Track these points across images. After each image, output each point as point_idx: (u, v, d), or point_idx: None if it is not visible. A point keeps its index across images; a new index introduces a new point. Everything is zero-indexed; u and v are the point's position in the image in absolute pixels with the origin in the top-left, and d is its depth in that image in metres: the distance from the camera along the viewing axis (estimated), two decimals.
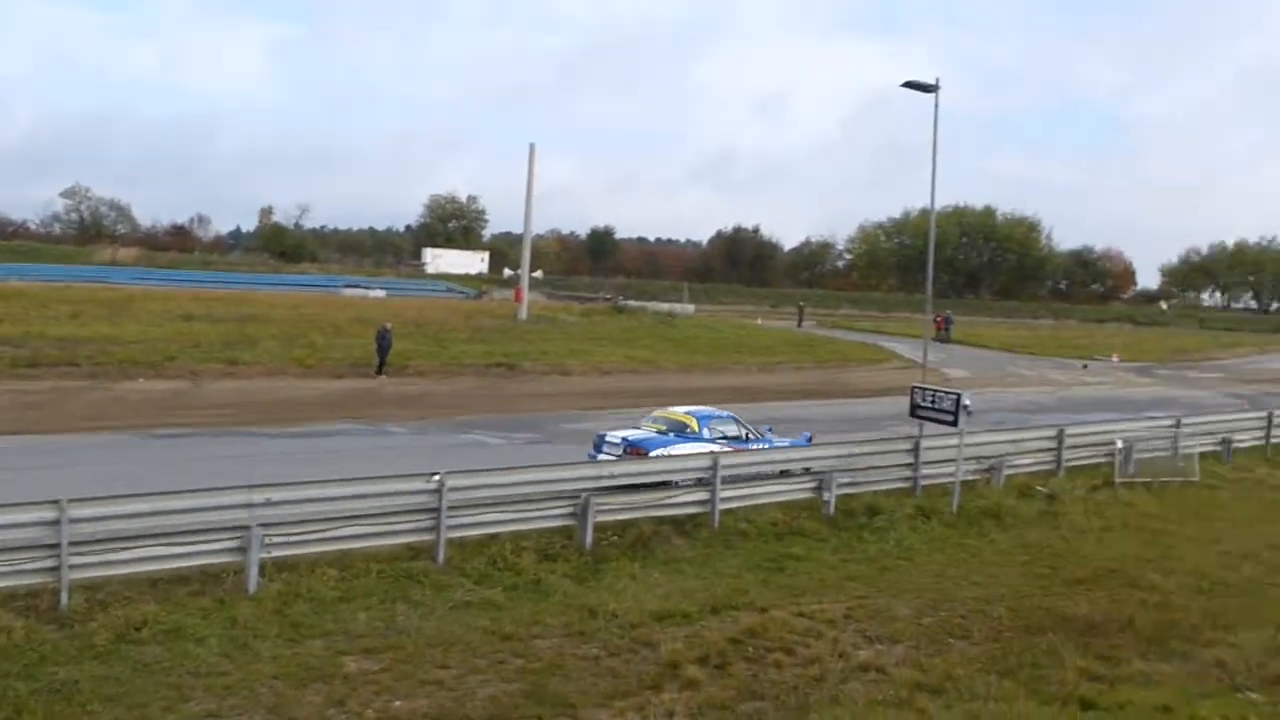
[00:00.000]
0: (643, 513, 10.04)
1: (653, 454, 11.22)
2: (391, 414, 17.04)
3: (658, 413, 12.84)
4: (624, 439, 11.90)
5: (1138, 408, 22.85)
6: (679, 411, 12.67)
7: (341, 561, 8.16)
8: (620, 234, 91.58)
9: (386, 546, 8.49)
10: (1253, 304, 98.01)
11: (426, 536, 8.62)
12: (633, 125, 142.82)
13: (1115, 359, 40.25)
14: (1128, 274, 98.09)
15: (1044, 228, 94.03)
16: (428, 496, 8.59)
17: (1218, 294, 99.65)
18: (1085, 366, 36.02)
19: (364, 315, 29.62)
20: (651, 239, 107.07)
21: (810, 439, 13.16)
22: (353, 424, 15.95)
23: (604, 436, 12.19)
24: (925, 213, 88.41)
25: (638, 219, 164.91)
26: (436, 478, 8.64)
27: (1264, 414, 17.15)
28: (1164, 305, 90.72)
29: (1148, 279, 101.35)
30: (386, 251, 77.06)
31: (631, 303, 42.34)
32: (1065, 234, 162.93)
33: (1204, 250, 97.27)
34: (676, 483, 10.52)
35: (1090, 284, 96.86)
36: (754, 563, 9.56)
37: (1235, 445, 16.01)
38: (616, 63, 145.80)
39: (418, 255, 71.74)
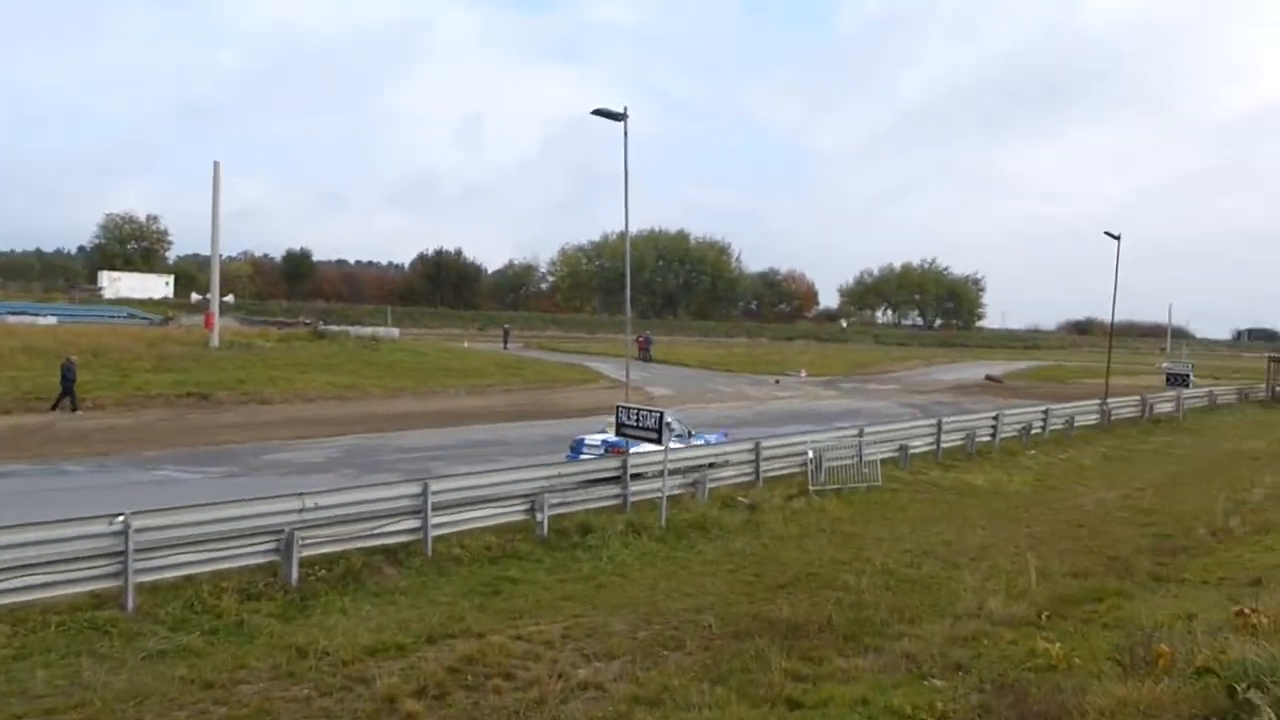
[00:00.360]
0: (352, 544, 9.97)
1: (633, 452, 13.29)
2: (68, 451, 16.54)
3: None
4: (603, 441, 14.36)
5: (826, 419, 25.20)
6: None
7: (13, 617, 7.91)
8: (319, 256, 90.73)
9: (67, 596, 8.27)
10: (919, 321, 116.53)
11: (113, 583, 8.45)
12: (330, 145, 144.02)
13: (803, 374, 44.53)
14: (810, 294, 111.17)
15: (734, 251, 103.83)
16: (111, 539, 8.40)
17: (889, 312, 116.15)
18: (777, 382, 39.41)
19: (32, 344, 28.18)
20: (352, 261, 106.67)
21: (727, 434, 17.10)
22: (21, 464, 15.36)
23: (583, 440, 15.07)
24: (623, 236, 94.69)
25: (337, 241, 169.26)
26: (120, 518, 8.46)
27: (933, 422, 19.74)
28: (844, 323, 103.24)
29: (829, 299, 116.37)
30: (57, 275, 74.35)
31: (333, 327, 41.57)
32: (754, 257, 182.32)
33: (875, 272, 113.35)
34: (386, 512, 10.61)
35: (778, 304, 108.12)
36: (469, 588, 9.60)
37: (911, 451, 18.16)
38: (307, 80, 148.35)
39: (93, 279, 68.76)
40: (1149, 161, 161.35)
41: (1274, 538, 12.44)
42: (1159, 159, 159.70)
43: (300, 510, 9.69)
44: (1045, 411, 23.38)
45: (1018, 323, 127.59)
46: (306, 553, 9.46)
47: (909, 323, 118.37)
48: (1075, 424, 24.18)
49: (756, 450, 15.55)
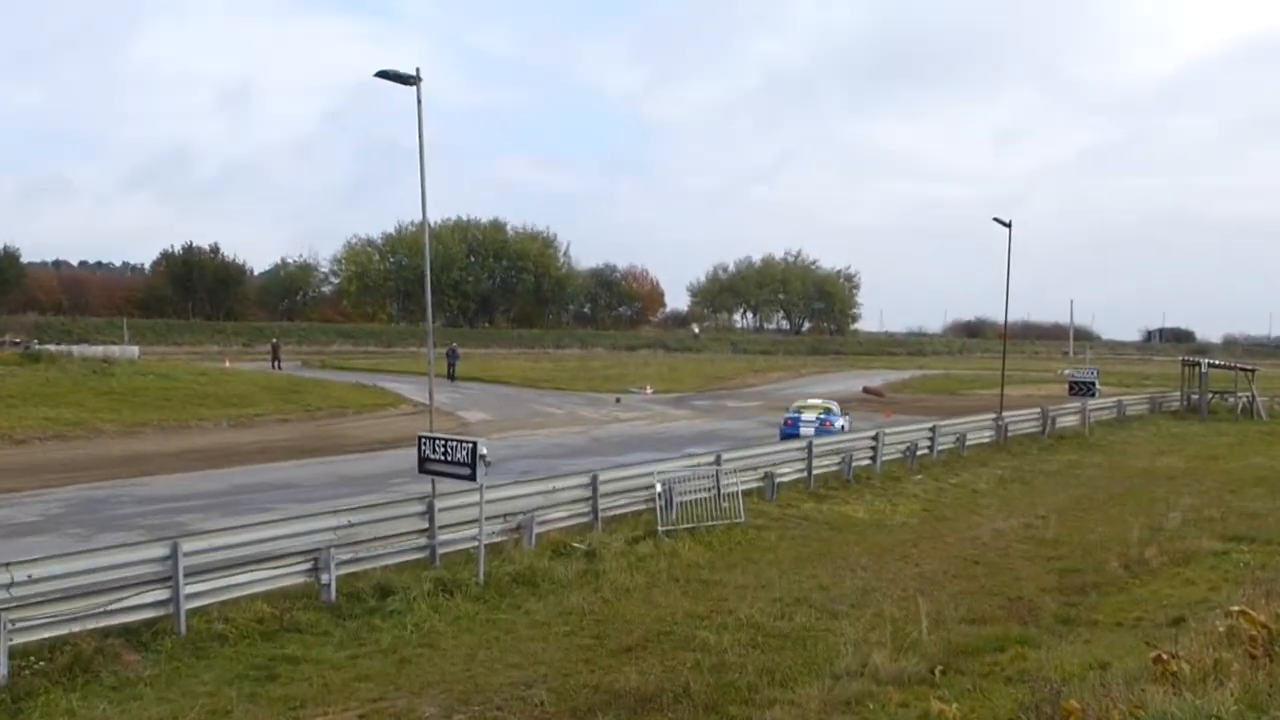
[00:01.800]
0: (80, 624, 9.58)
1: (835, 425, 26.90)
2: None
3: (801, 403, 30.94)
4: (816, 418, 28.43)
5: (677, 445, 26.39)
6: (819, 402, 30.73)
7: None
8: (30, 257, 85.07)
9: None
10: (784, 325, 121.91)
11: None
12: (44, 118, 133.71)
13: (648, 390, 46.32)
14: (656, 295, 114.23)
15: (562, 244, 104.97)
16: None
17: (749, 315, 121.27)
18: (618, 401, 40.72)
19: None
20: (75, 263, 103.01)
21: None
22: None
23: (799, 418, 28.56)
24: (422, 227, 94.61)
25: (55, 238, 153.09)
26: None
27: (803, 445, 20.54)
28: (696, 329, 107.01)
29: (677, 300, 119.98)
30: None
31: (51, 347, 39.97)
32: (587, 251, 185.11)
33: (731, 268, 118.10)
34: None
35: (617, 307, 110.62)
36: (236, 673, 9.40)
37: (779, 480, 18.85)
38: (12, 34, 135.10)
39: None
40: (1045, 138, 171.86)
41: (1194, 569, 13.31)
42: (1056, 135, 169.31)
43: (8, 585, 9.26)
44: (933, 429, 24.73)
45: (899, 325, 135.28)
46: (19, 639, 9.15)
47: (773, 327, 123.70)
48: (968, 442, 25.66)
49: (594, 485, 15.62)
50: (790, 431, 28.00)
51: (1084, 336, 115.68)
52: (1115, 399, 37.40)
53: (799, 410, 30.45)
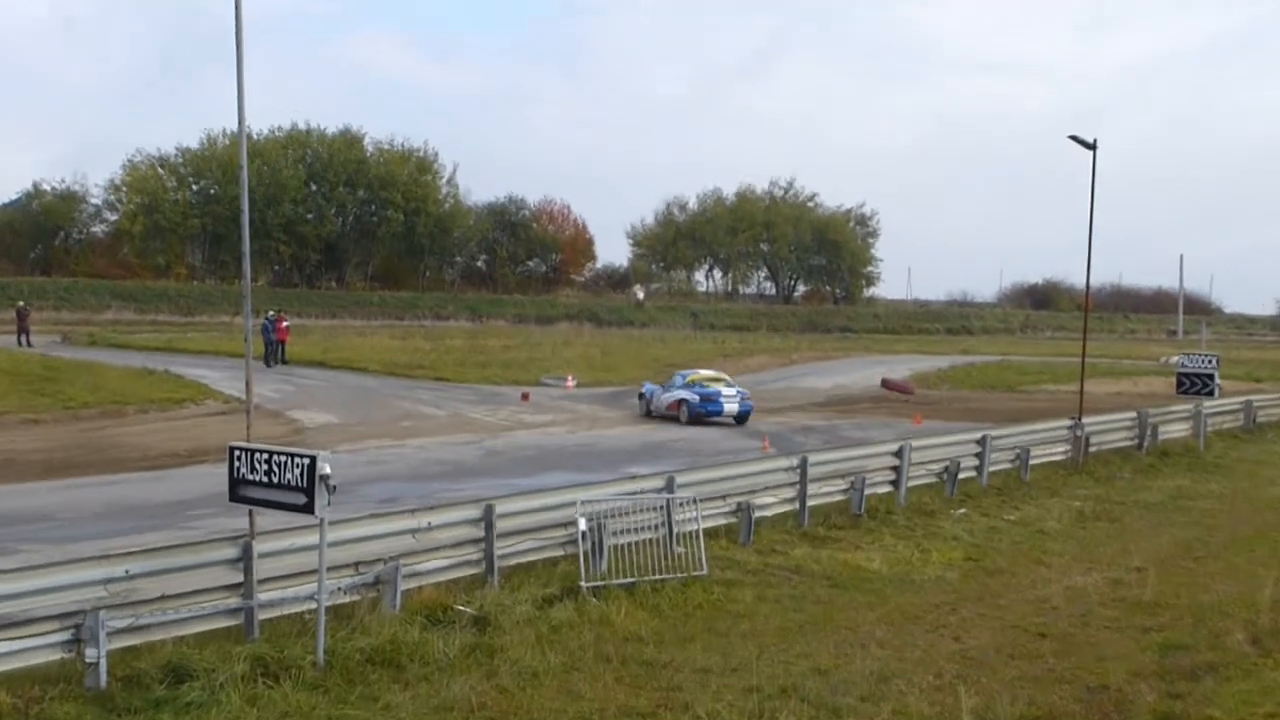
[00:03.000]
0: None
1: (749, 399, 37.44)
2: None
3: (695, 376, 38.55)
4: (738, 392, 37.26)
5: (611, 461, 26.91)
6: (712, 373, 39.72)
7: None
8: None
9: None
10: (769, 288, 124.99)
11: None
12: None
13: (570, 383, 47.19)
14: (582, 243, 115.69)
15: (444, 167, 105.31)
16: None
17: (717, 273, 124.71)
18: (526, 398, 41.56)
19: None
20: None
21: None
22: None
23: (718, 393, 36.76)
24: (236, 140, 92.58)
25: None
26: None
27: (795, 462, 20.53)
28: (639, 293, 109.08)
29: (612, 250, 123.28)
30: None
31: None
32: (481, 178, 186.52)
33: (691, 204, 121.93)
34: None
35: (525, 260, 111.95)
36: None
37: (757, 514, 19.10)
38: None
39: None
40: (1148, 21, 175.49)
41: None
42: (1165, 17, 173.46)
43: None
44: (981, 441, 25.03)
45: (934, 290, 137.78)
46: None
47: (751, 291, 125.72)
48: (1032, 461, 26.11)
49: (488, 520, 15.53)
50: (712, 409, 36.91)
51: (1198, 308, 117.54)
52: (1242, 400, 37.96)
53: (703, 384, 38.03)
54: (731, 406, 37.12)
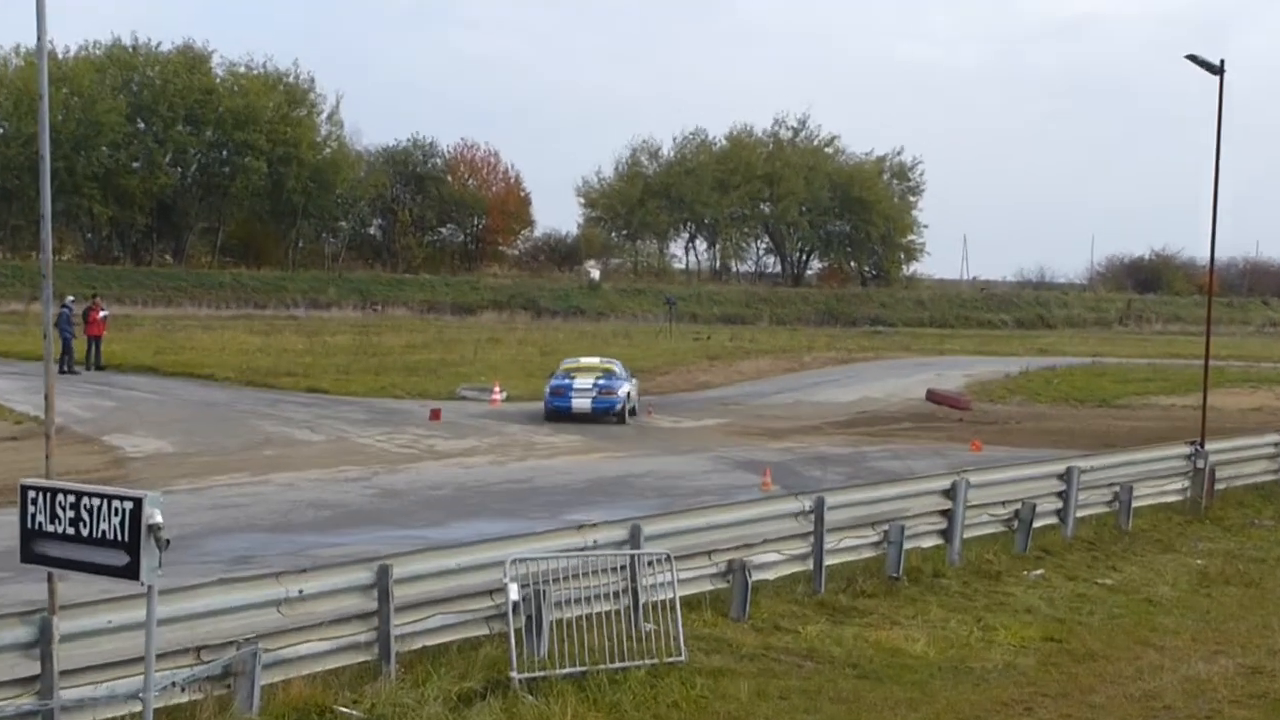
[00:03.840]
0: None
1: (619, 391, 42.41)
2: None
3: (573, 365, 44.74)
4: (595, 384, 41.99)
5: (554, 504, 27.39)
6: (595, 361, 45.74)
7: None
8: None
9: None
10: (773, 264, 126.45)
11: None
12: None
13: (497, 394, 47.62)
14: (515, 203, 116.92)
15: (324, 98, 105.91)
16: None
17: (699, 244, 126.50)
18: (437, 416, 41.63)
19: None
20: None
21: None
22: None
23: (570, 385, 41.93)
24: (31, 55, 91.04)
25: None
26: None
27: (807, 504, 20.33)
28: (593, 271, 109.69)
29: (557, 213, 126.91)
30: None
31: None
32: (375, 115, 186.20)
33: (665, 150, 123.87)
34: None
35: (437, 226, 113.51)
36: None
37: (756, 576, 18.95)
38: None
39: None
40: None
41: None
42: None
43: None
44: (1067, 476, 25.01)
45: (1000, 267, 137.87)
46: None
47: (748, 269, 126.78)
48: (1136, 503, 26.24)
49: (382, 585, 15.35)
50: (560, 404, 41.88)
51: None
52: None
53: (569, 375, 43.44)
54: (581, 402, 41.07)
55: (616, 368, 44.05)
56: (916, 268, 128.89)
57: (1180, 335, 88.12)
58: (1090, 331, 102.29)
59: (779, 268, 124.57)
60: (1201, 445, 28.68)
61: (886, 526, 21.29)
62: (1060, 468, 25.34)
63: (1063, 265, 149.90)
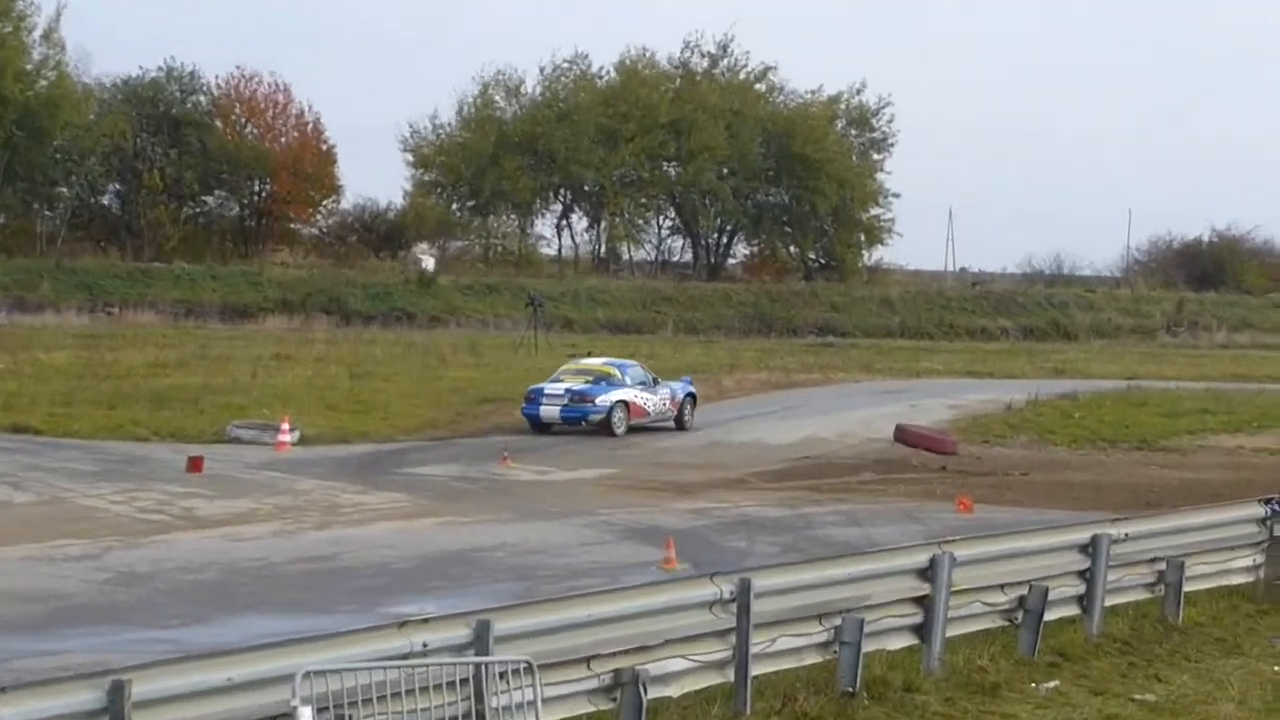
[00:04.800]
0: None
1: (599, 399, 50.36)
2: None
3: (571, 367, 54.68)
4: (566, 390, 50.48)
5: (366, 591, 27.32)
6: (596, 364, 55.11)
7: None
8: None
9: None
10: (681, 250, 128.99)
11: None
12: None
13: (285, 433, 47.32)
14: (315, 158, 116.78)
15: (34, 6, 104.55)
16: None
17: (576, 221, 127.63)
18: (198, 465, 40.95)
19: None
20: None
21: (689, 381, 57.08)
22: None
23: (541, 389, 50.96)
24: None
25: None
26: None
27: (727, 589, 19.86)
28: (426, 260, 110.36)
29: (371, 178, 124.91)
30: None
31: None
32: (107, 29, 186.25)
33: (531, 87, 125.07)
34: None
35: (199, 191, 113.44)
36: None
37: (655, 692, 18.66)
38: None
39: None
40: None
41: None
42: None
43: None
44: (1092, 547, 25.09)
45: (1000, 255, 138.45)
46: None
47: (646, 255, 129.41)
48: (1190, 586, 26.21)
49: (114, 709, 15.14)
50: (529, 412, 50.00)
51: None
52: None
53: (559, 377, 51.62)
54: (549, 410, 47.86)
55: (620, 370, 50.14)
56: (883, 255, 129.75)
57: (1252, 349, 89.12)
58: (1125, 343, 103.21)
59: (690, 255, 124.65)
60: (1277, 502, 28.96)
61: (839, 621, 21.25)
62: (1083, 537, 25.39)
63: (1088, 252, 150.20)
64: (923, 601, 22.38)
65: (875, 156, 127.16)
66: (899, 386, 69.90)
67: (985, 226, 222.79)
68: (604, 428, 48.15)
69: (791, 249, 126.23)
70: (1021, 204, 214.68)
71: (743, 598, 20.14)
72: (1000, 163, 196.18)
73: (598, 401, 47.65)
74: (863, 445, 50.40)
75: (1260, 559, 28.06)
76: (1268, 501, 28.46)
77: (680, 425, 53.47)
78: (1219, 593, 27.07)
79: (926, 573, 22.48)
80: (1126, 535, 25.90)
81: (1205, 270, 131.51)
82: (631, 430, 52.22)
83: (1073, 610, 24.54)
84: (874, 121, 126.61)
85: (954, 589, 22.62)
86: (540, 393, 47.91)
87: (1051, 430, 55.94)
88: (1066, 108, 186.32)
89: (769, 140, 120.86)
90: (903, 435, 50.61)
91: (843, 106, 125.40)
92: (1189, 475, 42.50)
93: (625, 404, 49.20)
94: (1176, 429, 55.50)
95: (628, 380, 49.38)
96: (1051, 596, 23.88)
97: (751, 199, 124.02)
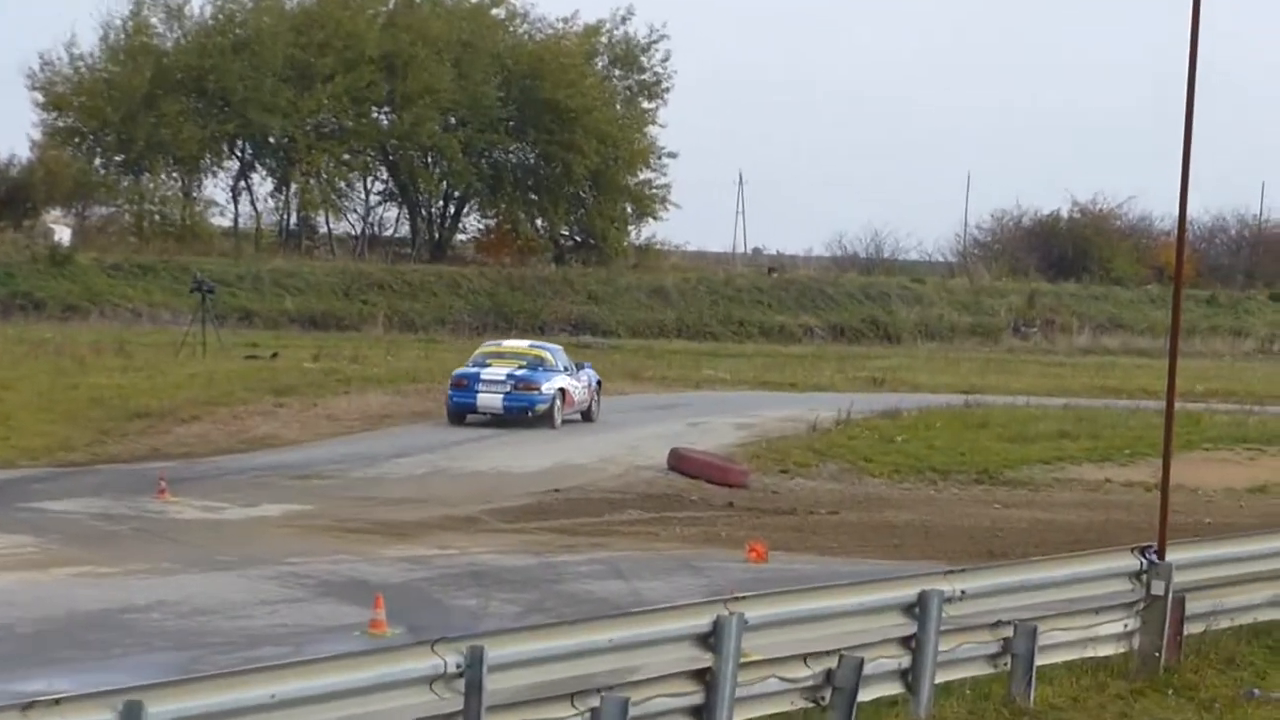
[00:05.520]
0: None
1: (544, 387, 59.97)
2: None
3: (493, 349, 66.08)
4: (509, 375, 60.15)
5: None
6: (523, 346, 68.40)
7: None
8: None
9: None
10: (396, 219, 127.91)
11: None
12: None
13: None
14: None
15: None
16: None
17: (255, 181, 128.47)
18: None
19: None
20: None
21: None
22: None
23: (476, 375, 60.52)
24: None
25: None
26: None
27: (452, 662, 19.72)
28: (59, 230, 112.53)
29: None
30: None
31: None
32: None
33: (195, 5, 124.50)
34: None
35: None
36: None
37: None
38: None
39: None
40: None
41: None
42: None
43: None
44: (918, 608, 25.34)
45: (804, 235, 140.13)
46: None
47: (348, 229, 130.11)
48: (1041, 655, 26.24)
49: None
50: (462, 400, 56.87)
51: None
52: None
53: (484, 361, 54.88)
54: (490, 398, 53.57)
55: (551, 354, 56.40)
56: (656, 232, 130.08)
57: (1123, 355, 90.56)
58: (963, 347, 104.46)
59: (407, 228, 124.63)
60: (1160, 555, 29.41)
61: (596, 701, 21.41)
62: (908, 594, 25.64)
63: (917, 231, 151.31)
64: (703, 676, 22.50)
65: (646, 105, 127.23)
66: (675, 400, 70.36)
67: (785, 197, 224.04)
68: (548, 419, 53.22)
69: (539, 222, 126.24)
70: (831, 169, 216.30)
71: (473, 671, 20.14)
72: (804, 116, 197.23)
73: (544, 389, 53.03)
74: (629, 475, 50.53)
75: (1133, 623, 28.34)
76: (1143, 551, 28.78)
77: (588, 417, 59.77)
78: (1081, 666, 27.26)
79: (709, 639, 22.57)
80: (963, 593, 26.12)
81: (1064, 255, 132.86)
82: (318, 462, 52.76)
83: (895, 688, 24.70)
84: (643, 60, 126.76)
85: (744, 660, 22.78)
86: (475, 379, 52.65)
87: (868, 458, 56.24)
88: (887, 46, 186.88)
89: (510, 82, 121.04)
90: (679, 463, 50.82)
91: (604, 40, 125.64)
92: (1042, 516, 42.97)
93: (563, 392, 55.33)
94: (1027, 457, 55.93)
95: (559, 365, 55.41)
96: (868, 670, 24.03)
97: (487, 157, 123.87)
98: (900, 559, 31.63)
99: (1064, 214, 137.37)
